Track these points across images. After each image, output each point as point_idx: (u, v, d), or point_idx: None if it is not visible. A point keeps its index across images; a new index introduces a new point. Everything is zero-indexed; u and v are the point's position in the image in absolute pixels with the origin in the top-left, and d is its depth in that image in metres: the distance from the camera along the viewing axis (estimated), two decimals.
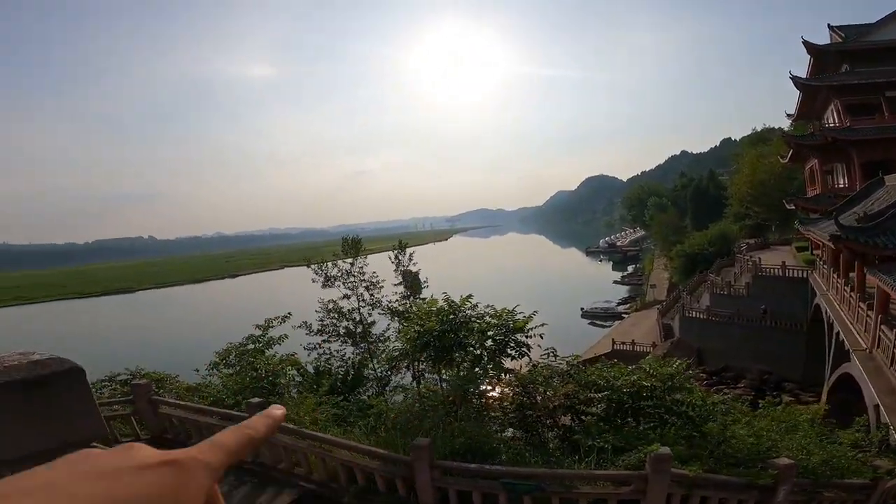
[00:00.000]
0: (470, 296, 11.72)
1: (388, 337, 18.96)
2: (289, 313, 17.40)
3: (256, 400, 8.61)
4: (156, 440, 9.97)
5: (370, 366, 18.41)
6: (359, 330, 18.42)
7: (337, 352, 18.27)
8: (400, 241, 20.87)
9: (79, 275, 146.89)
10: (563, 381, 9.30)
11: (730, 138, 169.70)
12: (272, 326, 16.91)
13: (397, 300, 19.25)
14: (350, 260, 18.83)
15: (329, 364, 17.91)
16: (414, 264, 20.04)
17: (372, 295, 18.76)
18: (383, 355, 18.09)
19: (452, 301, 11.80)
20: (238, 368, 16.12)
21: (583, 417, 8.86)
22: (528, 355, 10.53)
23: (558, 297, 55.59)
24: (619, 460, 6.86)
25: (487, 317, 11.29)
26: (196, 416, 9.80)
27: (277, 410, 0.56)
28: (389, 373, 17.37)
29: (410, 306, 18.61)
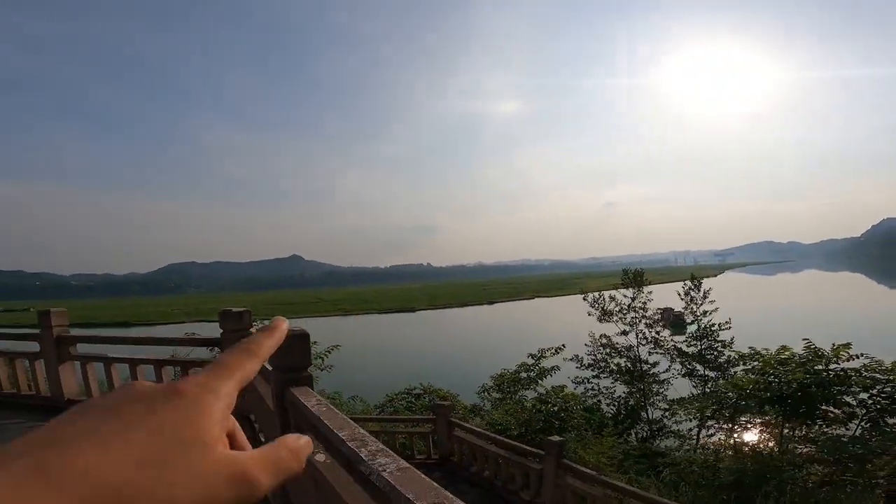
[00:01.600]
0: (847, 345, 8.91)
1: (668, 380, 17.02)
2: (562, 345, 16.95)
3: (556, 439, 7.91)
4: (442, 461, 10.42)
5: (644, 407, 16.66)
6: (638, 369, 16.62)
7: (606, 389, 17.13)
8: (692, 275, 18.08)
9: (380, 293, 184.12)
10: None
11: None
12: (544, 357, 16.74)
13: (685, 340, 16.64)
14: (630, 294, 17.31)
15: (597, 400, 16.91)
16: (711, 303, 16.95)
17: (657, 333, 16.76)
18: (657, 397, 16.71)
19: (820, 350, 9.22)
20: (506, 393, 16.50)
21: None
22: None
23: None
24: None
25: (869, 371, 8.93)
26: (485, 444, 9.79)
27: (282, 323, 0.47)
28: (663, 417, 16.14)
29: (709, 349, 15.90)
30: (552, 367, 16.10)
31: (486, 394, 16.86)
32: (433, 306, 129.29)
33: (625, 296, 17.84)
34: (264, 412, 3.78)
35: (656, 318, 17.26)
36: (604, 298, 18.11)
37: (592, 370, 17.59)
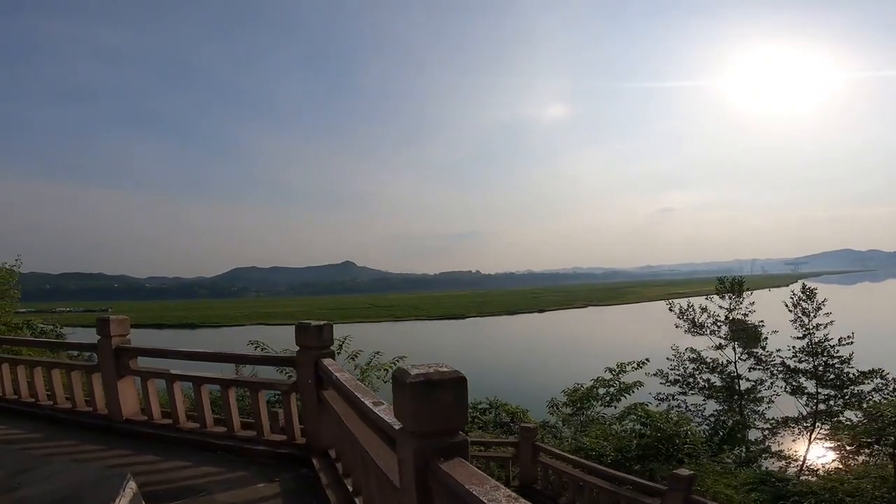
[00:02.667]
0: None
1: (769, 398, 15.09)
2: (646, 359, 15.34)
3: (686, 472, 6.46)
4: (522, 489, 9.21)
5: (745, 426, 14.75)
6: (736, 386, 14.69)
7: (695, 406, 15.35)
8: (804, 284, 15.87)
9: (428, 299, 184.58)
10: None
11: None
12: (624, 371, 15.14)
13: (793, 356, 14.54)
14: (726, 304, 15.37)
15: (684, 419, 15.23)
16: (826, 314, 14.74)
17: (763, 348, 14.76)
18: (755, 416, 15.30)
19: None
20: (578, 409, 15.05)
21: None
22: None
23: None
24: None
25: None
26: (580, 472, 8.46)
27: None
28: (765, 437, 14.79)
29: (825, 366, 13.78)
30: (634, 383, 14.50)
31: (555, 409, 15.50)
32: (483, 313, 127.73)
33: (721, 307, 15.90)
34: (367, 470, 2.76)
35: (760, 330, 15.22)
36: (693, 309, 16.26)
37: (678, 386, 15.82)
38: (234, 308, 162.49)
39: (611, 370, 15.08)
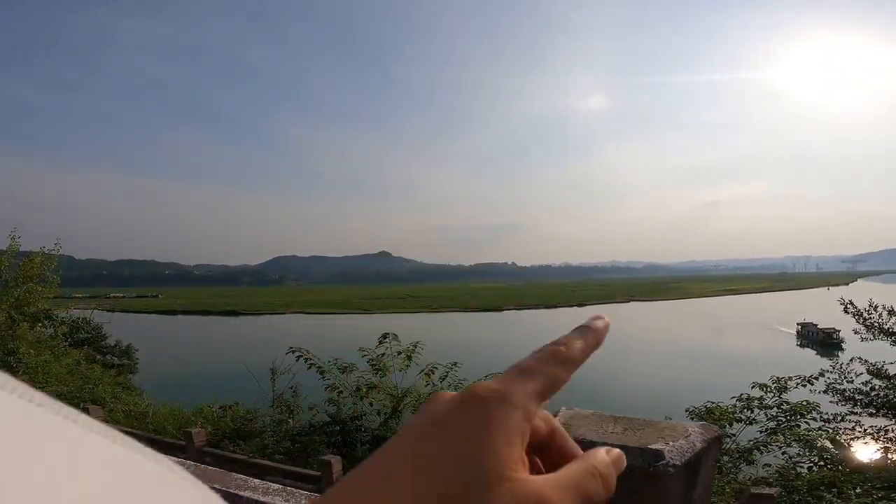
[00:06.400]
0: None
1: None
2: (820, 371, 11.61)
3: None
4: None
5: None
6: None
7: (874, 429, 11.48)
8: None
9: (464, 291, 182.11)
10: None
11: None
12: (786, 388, 11.48)
13: None
14: None
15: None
16: None
17: None
18: None
19: None
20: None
21: None
22: None
23: None
24: None
25: None
26: None
27: (601, 320, 0.38)
28: None
29: None
30: (803, 403, 10.77)
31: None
32: (521, 306, 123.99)
33: None
34: None
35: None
36: (878, 311, 12.34)
37: (857, 405, 12.02)
38: (275, 296, 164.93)
39: (762, 386, 11.41)
